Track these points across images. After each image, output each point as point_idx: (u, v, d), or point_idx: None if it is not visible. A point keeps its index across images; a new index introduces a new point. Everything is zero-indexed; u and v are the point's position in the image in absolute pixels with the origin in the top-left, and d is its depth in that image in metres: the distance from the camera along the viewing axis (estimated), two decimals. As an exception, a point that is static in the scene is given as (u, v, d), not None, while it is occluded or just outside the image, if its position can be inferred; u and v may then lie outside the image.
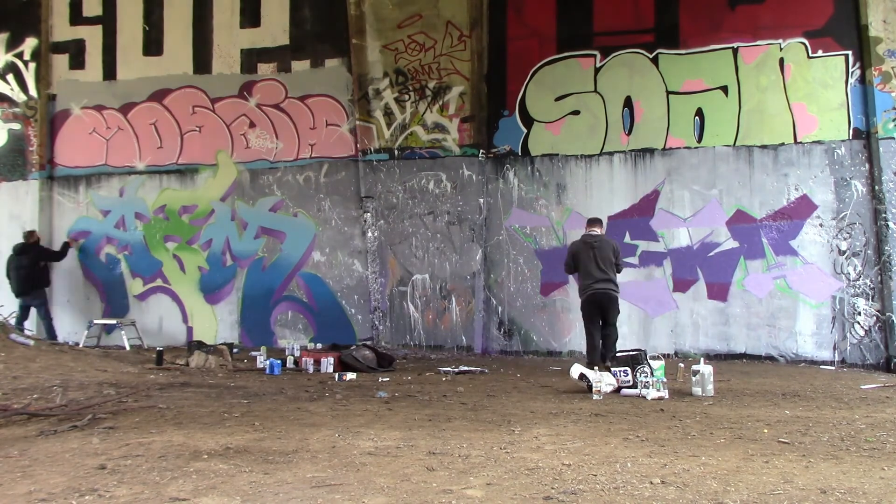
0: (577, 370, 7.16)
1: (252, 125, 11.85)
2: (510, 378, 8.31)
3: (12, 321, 9.86)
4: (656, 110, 10.41)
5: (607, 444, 4.72)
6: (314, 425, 5.34)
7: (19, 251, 11.47)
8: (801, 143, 9.95)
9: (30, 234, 11.72)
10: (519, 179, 10.85)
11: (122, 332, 11.21)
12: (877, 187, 9.58)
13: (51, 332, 11.41)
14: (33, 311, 11.56)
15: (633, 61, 10.50)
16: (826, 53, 9.89)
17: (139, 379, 7.77)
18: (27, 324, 11.23)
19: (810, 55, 9.94)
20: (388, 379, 8.17)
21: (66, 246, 11.96)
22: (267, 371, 8.62)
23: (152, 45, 12.34)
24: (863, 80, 9.71)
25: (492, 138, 10.96)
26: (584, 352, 8.86)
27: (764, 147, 10.08)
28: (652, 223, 10.38)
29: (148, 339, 11.58)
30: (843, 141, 9.81)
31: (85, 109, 12.53)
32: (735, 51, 10.18)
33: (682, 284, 10.21)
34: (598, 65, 10.61)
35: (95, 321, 11.53)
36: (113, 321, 11.52)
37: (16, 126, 12.70)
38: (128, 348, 10.91)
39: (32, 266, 11.48)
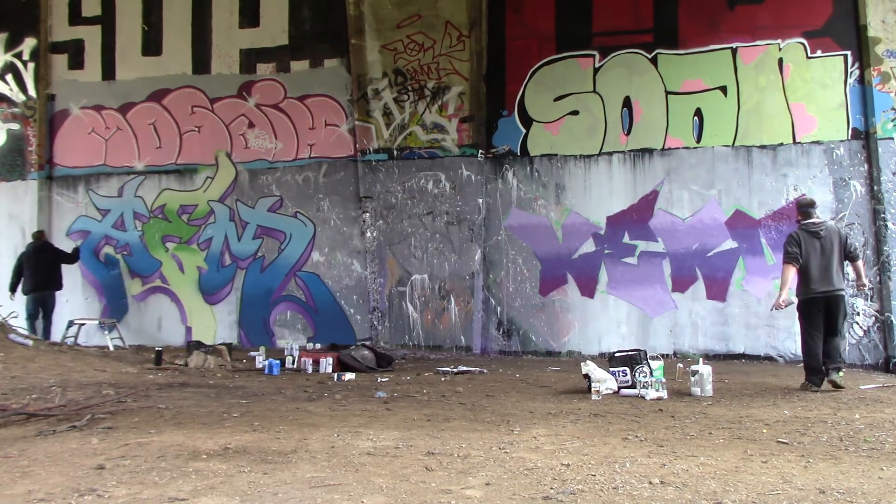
0: (585, 368, 7.09)
1: (251, 125, 11.85)
2: (509, 378, 8.30)
3: (11, 321, 9.81)
4: (655, 110, 10.42)
5: (606, 444, 4.72)
6: (313, 425, 5.34)
7: (39, 249, 11.40)
8: (799, 143, 9.96)
9: (40, 234, 11.72)
10: (518, 179, 10.85)
11: (105, 333, 11.14)
12: (875, 187, 9.58)
13: (47, 333, 11.36)
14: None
15: (632, 61, 10.51)
16: (825, 54, 9.90)
17: (138, 379, 7.76)
18: (19, 322, 11.10)
19: (809, 55, 9.95)
20: (386, 379, 8.17)
21: (76, 250, 11.93)
22: (266, 371, 8.61)
23: (151, 45, 12.34)
24: (862, 80, 9.72)
25: (491, 138, 10.96)
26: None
27: (763, 147, 10.09)
28: (651, 223, 10.39)
29: (147, 340, 11.56)
30: (841, 141, 9.82)
31: (84, 109, 12.54)
32: (734, 51, 10.19)
33: (681, 284, 10.22)
34: (597, 65, 10.61)
35: (76, 320, 11.37)
36: (94, 320, 11.46)
37: (15, 126, 12.69)
38: (111, 349, 10.81)
39: (51, 265, 11.43)
